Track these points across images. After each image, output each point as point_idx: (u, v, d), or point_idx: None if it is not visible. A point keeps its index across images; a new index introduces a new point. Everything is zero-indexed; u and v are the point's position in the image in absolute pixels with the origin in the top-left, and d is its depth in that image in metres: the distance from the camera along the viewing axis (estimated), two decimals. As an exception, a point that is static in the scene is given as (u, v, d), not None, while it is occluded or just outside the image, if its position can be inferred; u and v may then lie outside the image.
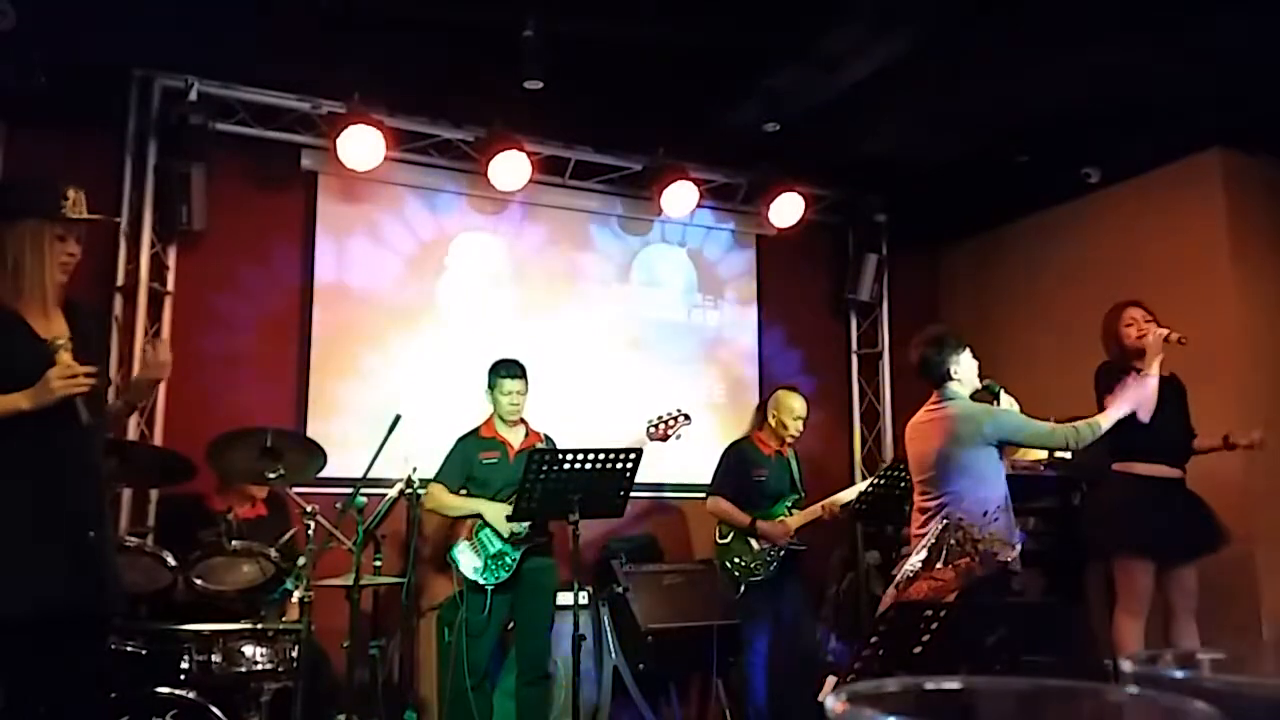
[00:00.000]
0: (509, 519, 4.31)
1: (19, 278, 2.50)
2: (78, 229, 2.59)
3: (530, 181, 5.40)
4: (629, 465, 4.03)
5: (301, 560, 3.75)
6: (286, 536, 3.99)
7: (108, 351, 4.57)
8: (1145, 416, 4.06)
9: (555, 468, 3.96)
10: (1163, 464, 4.19)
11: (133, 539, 3.88)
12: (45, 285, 2.53)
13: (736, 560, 4.88)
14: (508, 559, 4.38)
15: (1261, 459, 4.89)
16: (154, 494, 4.75)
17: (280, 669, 3.66)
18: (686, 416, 4.66)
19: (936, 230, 6.85)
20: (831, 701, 0.66)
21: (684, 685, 5.22)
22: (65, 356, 2.44)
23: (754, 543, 4.89)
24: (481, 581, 4.37)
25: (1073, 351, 4.50)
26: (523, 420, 4.67)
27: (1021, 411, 4.04)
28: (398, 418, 3.96)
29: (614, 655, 4.81)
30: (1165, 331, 4.12)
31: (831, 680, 2.86)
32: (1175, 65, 4.58)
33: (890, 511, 4.84)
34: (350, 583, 3.83)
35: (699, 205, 5.84)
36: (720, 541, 4.98)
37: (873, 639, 2.65)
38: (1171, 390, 4.22)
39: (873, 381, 6.66)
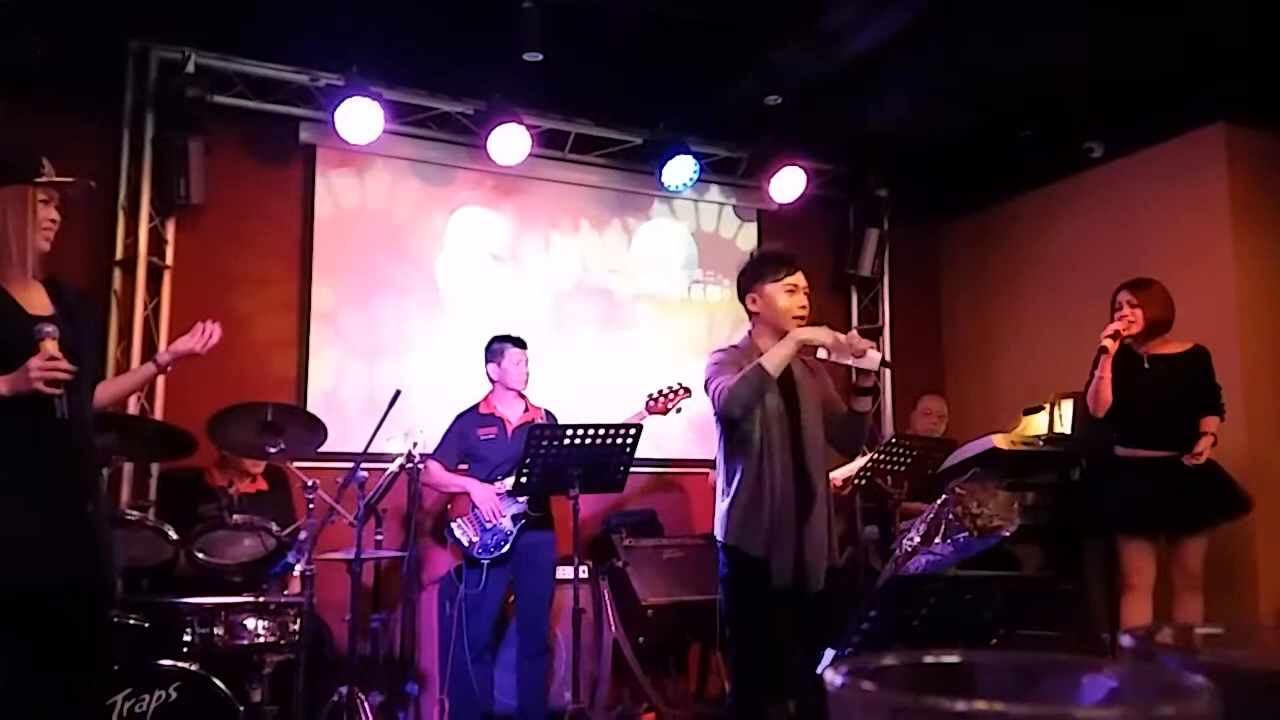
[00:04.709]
0: (509, 493, 4.33)
1: (5, 242, 2.49)
2: (57, 195, 2.59)
3: (530, 155, 5.37)
4: (629, 440, 4.04)
5: (303, 534, 3.77)
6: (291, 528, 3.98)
7: (104, 337, 4.58)
8: (1095, 411, 4.14)
9: (556, 443, 3.96)
10: (1148, 448, 4.16)
11: (134, 513, 3.89)
12: (29, 251, 2.52)
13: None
14: (504, 533, 4.41)
15: (1264, 437, 4.90)
16: (155, 468, 4.77)
17: (282, 642, 3.68)
18: (686, 390, 4.66)
19: (938, 205, 6.82)
20: (830, 674, 0.66)
21: (684, 659, 5.24)
22: (50, 347, 2.40)
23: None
24: (478, 556, 4.40)
25: (1074, 326, 4.49)
26: (522, 395, 4.68)
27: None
28: (398, 392, 3.97)
29: (614, 629, 4.83)
30: (1110, 329, 4.13)
31: (830, 653, 2.88)
32: (1179, 39, 4.55)
33: (890, 486, 4.86)
34: (352, 557, 3.86)
35: (700, 179, 5.81)
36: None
37: (871, 612, 2.66)
38: (1164, 371, 4.21)
39: (873, 356, 6.63)
